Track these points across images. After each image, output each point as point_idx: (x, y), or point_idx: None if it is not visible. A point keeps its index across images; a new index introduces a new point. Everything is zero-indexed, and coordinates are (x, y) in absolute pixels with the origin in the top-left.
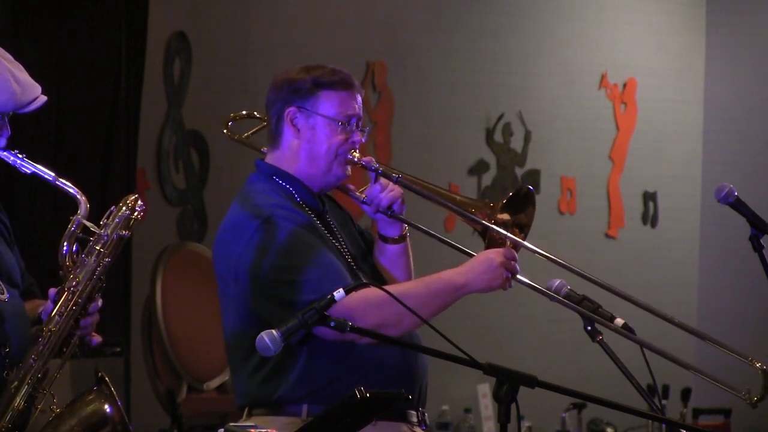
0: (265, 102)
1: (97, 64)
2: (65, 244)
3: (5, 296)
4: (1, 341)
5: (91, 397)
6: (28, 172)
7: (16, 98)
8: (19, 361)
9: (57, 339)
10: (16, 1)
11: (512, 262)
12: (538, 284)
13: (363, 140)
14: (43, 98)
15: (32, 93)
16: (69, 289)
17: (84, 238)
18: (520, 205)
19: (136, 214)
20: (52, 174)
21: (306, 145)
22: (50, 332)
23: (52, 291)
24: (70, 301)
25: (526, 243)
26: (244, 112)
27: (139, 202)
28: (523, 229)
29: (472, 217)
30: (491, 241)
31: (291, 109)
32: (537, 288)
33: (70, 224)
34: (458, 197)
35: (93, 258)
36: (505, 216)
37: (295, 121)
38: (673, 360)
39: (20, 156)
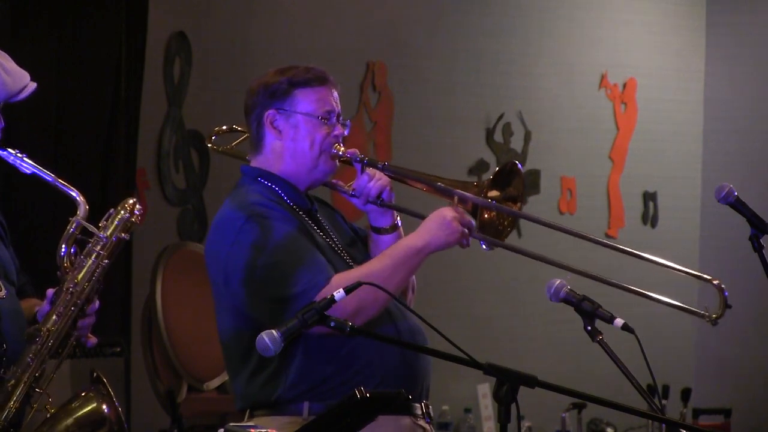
0: (243, 110)
1: (97, 64)
2: (63, 245)
3: (3, 293)
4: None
5: (88, 396)
6: (28, 172)
7: (7, 88)
8: (16, 359)
9: (55, 339)
10: (16, 1)
11: (465, 215)
12: (538, 284)
13: (345, 133)
14: (33, 85)
15: (22, 81)
16: (67, 289)
17: (83, 240)
18: (507, 179)
19: (135, 217)
20: (52, 175)
21: (289, 144)
22: (48, 332)
23: (50, 292)
24: (69, 301)
25: (519, 211)
26: (224, 127)
27: (138, 205)
28: (515, 201)
29: (464, 194)
30: (487, 220)
31: (270, 112)
32: (549, 260)
33: (69, 225)
34: (446, 179)
35: (92, 259)
36: (495, 193)
37: (276, 124)
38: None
39: (20, 156)
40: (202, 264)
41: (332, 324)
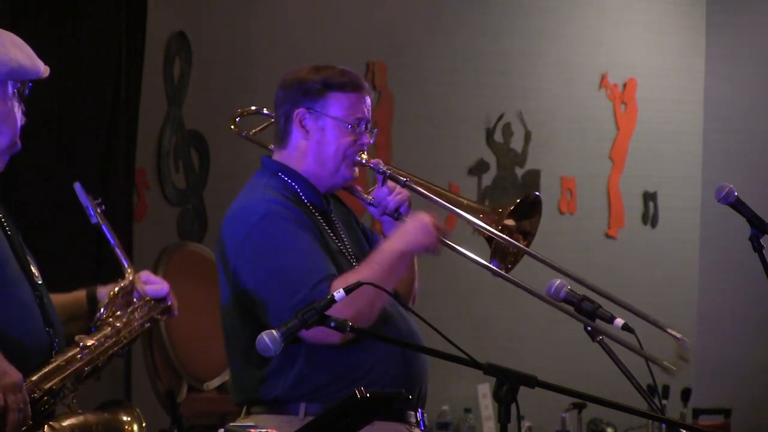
0: (274, 100)
1: (97, 64)
2: (107, 302)
3: (39, 279)
4: (48, 322)
5: (126, 412)
6: (94, 221)
7: (39, 63)
8: (60, 344)
9: (99, 355)
10: (16, 1)
11: (441, 222)
12: (538, 284)
13: (371, 142)
14: (47, 68)
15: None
16: (112, 325)
17: (128, 299)
18: (527, 211)
19: (172, 310)
20: (115, 239)
21: (314, 146)
22: (91, 348)
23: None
24: (110, 336)
25: (531, 251)
26: (253, 108)
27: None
28: (526, 237)
29: (479, 223)
30: (497, 246)
31: (300, 111)
32: (536, 293)
33: (116, 285)
34: (465, 201)
35: (135, 316)
36: (510, 222)
37: (304, 123)
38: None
39: (97, 204)
40: (202, 264)
41: (332, 324)
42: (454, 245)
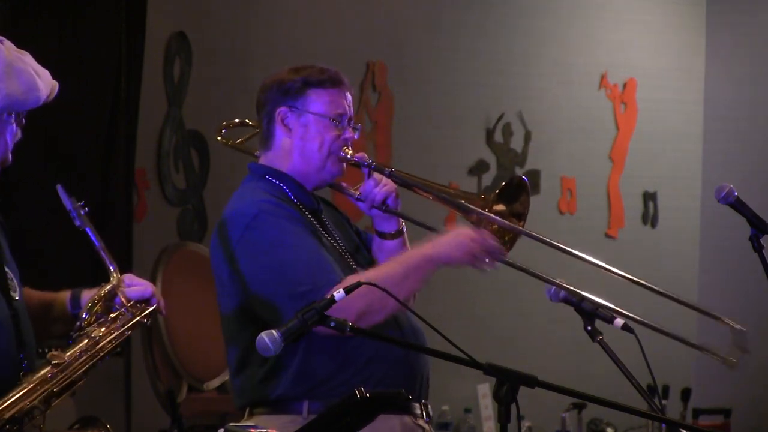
0: (255, 105)
1: (97, 64)
2: (90, 306)
3: (17, 294)
4: (21, 344)
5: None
6: (78, 224)
7: (40, 92)
8: (31, 366)
9: (72, 371)
10: (17, 1)
11: (488, 240)
12: (538, 284)
13: (355, 137)
14: (56, 84)
15: (50, 80)
16: (89, 336)
17: (108, 304)
18: (514, 194)
19: (159, 308)
20: (100, 240)
21: (298, 143)
22: (68, 363)
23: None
24: (90, 347)
25: (523, 229)
26: (236, 120)
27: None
28: (520, 218)
29: (468, 206)
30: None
31: (282, 109)
32: (543, 277)
33: (100, 290)
34: (451, 190)
35: (117, 324)
36: (501, 207)
37: (287, 121)
38: (671, 336)
39: (81, 207)
40: (202, 264)
41: (332, 324)
42: (512, 262)
